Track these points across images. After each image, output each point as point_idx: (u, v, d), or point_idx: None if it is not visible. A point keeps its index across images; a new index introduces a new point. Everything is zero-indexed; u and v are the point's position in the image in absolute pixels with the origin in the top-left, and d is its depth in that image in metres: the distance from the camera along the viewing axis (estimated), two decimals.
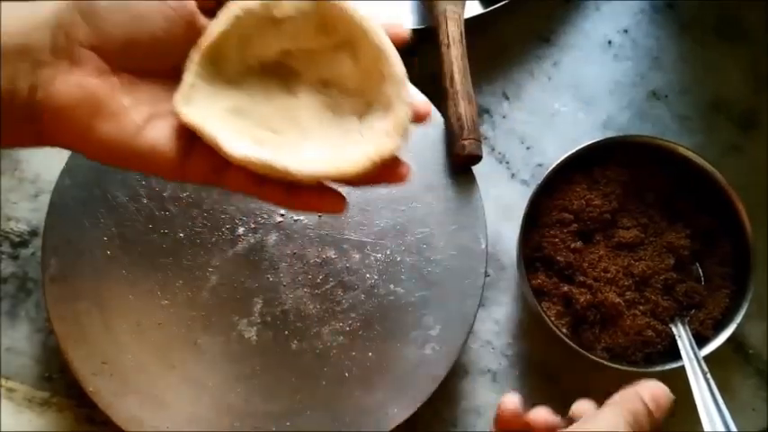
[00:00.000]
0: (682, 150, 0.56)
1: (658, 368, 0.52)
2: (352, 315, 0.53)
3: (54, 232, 0.53)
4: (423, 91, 0.56)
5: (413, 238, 0.54)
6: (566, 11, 0.64)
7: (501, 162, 0.61)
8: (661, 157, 0.56)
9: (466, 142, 0.53)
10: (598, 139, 0.55)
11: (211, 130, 0.39)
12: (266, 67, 0.43)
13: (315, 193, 0.41)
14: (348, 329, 0.53)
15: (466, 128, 0.53)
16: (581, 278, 0.54)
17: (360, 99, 0.42)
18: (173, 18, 0.39)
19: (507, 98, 0.62)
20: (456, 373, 0.56)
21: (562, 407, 0.53)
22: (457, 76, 0.54)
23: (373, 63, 0.41)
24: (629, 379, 0.50)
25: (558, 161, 0.55)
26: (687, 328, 0.54)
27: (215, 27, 0.40)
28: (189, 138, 0.40)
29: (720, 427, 0.46)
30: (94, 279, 0.53)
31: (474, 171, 0.56)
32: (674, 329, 0.54)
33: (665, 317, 0.54)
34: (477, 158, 0.54)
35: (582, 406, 0.42)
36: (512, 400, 0.42)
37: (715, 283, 0.56)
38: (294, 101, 0.43)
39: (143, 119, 0.40)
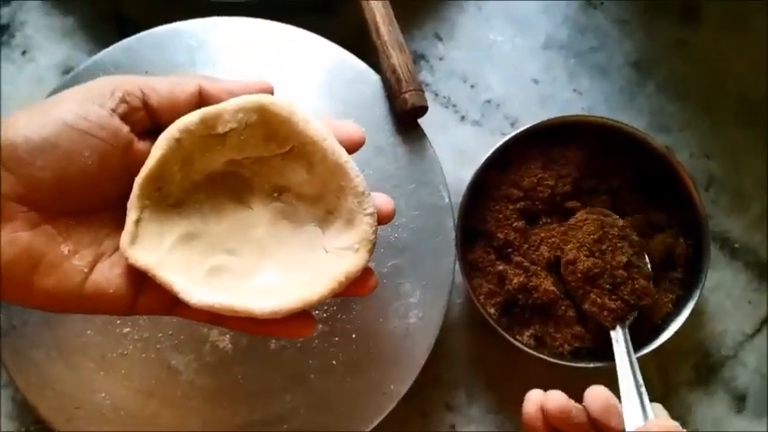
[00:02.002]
0: (650, 141, 0.52)
1: (583, 365, 0.50)
2: (327, 300, 0.50)
3: None
4: (349, 49, 0.53)
5: None
6: None
7: (447, 106, 0.58)
8: (626, 144, 0.53)
9: (407, 95, 0.50)
10: (559, 116, 0.52)
11: (165, 276, 0.37)
12: (213, 179, 0.40)
13: (281, 322, 0.38)
14: (325, 316, 0.50)
15: (403, 79, 0.50)
16: (518, 259, 0.51)
17: (318, 206, 0.41)
18: (105, 150, 0.36)
19: (440, 39, 0.59)
20: (447, 334, 0.54)
21: (486, 388, 0.54)
22: (383, 27, 0.51)
23: (330, 175, 0.39)
24: (553, 367, 0.50)
25: (513, 134, 0.51)
26: (627, 332, 0.49)
27: (154, 154, 0.37)
28: (140, 275, 0.38)
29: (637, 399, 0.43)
30: (46, 323, 0.49)
31: (421, 122, 0.52)
32: (612, 333, 0.49)
33: (609, 318, 0.49)
34: (422, 110, 0.51)
35: (596, 392, 0.40)
36: (560, 401, 0.39)
37: (662, 287, 0.52)
38: (248, 213, 0.41)
39: (87, 264, 0.37)
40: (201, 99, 0.39)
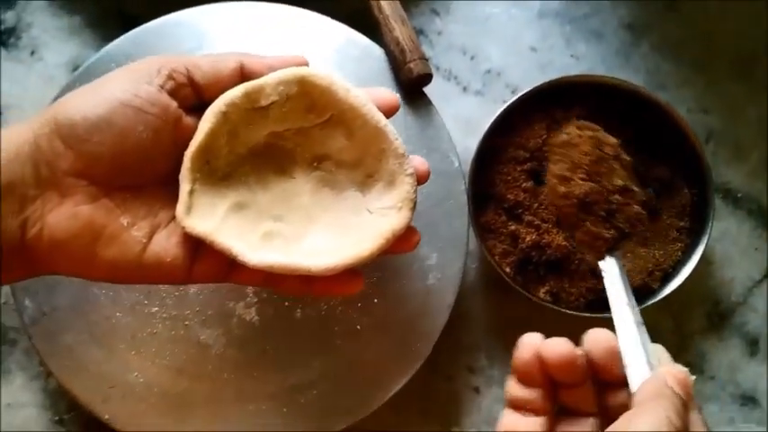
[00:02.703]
0: (650, 96, 0.53)
1: (601, 315, 0.51)
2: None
3: None
4: (354, 27, 0.54)
5: None
6: None
7: (449, 79, 0.59)
8: (626, 101, 0.54)
9: (412, 64, 0.51)
10: (562, 76, 0.53)
11: (223, 241, 0.39)
12: (256, 152, 0.42)
13: (333, 280, 0.40)
14: None
15: (407, 50, 0.51)
16: (529, 218, 0.52)
17: (357, 171, 0.42)
18: (157, 125, 0.38)
19: (437, 14, 0.60)
20: (464, 298, 0.56)
21: (505, 349, 0.54)
22: (384, 2, 0.52)
23: (370, 140, 0.41)
24: (570, 322, 0.51)
25: (515, 98, 0.53)
26: (619, 261, 0.48)
27: (202, 127, 0.39)
28: (195, 244, 0.39)
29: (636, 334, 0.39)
30: (75, 307, 0.50)
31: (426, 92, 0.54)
32: (600, 264, 0.49)
33: (602, 249, 0.50)
34: (428, 77, 0.52)
35: (598, 335, 0.36)
36: (562, 347, 0.35)
37: (670, 236, 0.54)
38: (291, 183, 0.43)
39: (145, 234, 0.38)
40: (243, 74, 0.40)
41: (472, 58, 0.60)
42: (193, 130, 0.39)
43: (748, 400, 0.56)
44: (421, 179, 0.42)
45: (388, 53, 0.53)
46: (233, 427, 0.49)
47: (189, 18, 0.54)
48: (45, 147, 0.37)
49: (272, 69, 0.40)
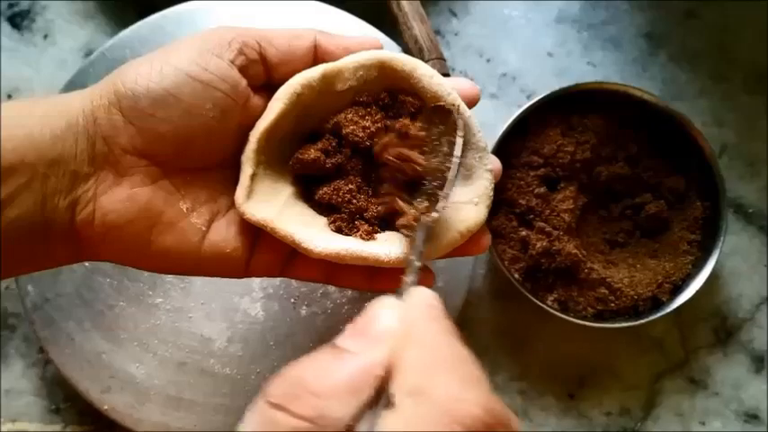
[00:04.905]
0: (666, 107, 0.53)
1: (608, 325, 0.51)
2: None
3: None
4: (372, 23, 0.54)
5: None
6: None
7: None
8: (642, 111, 0.53)
9: (429, 63, 0.50)
10: (577, 83, 0.53)
11: (285, 228, 0.35)
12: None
13: (399, 274, 0.35)
14: None
15: (425, 49, 0.51)
16: (540, 224, 0.52)
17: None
18: (226, 104, 0.34)
19: (455, 14, 0.60)
20: (470, 305, 0.55)
21: (509, 356, 0.54)
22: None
23: (451, 131, 0.37)
24: (577, 332, 0.52)
25: (532, 102, 0.52)
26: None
27: (273, 107, 0.36)
28: (254, 234, 0.36)
29: None
30: (78, 295, 0.50)
31: None
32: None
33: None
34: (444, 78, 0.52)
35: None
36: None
37: (681, 249, 0.53)
38: None
39: (204, 222, 0.35)
40: (317, 54, 0.37)
41: (488, 60, 0.59)
42: (259, 111, 0.36)
43: (751, 417, 0.56)
44: (496, 177, 0.39)
45: (406, 51, 0.52)
46: (233, 424, 0.49)
47: (208, 6, 0.53)
48: (103, 119, 0.33)
49: (348, 51, 0.37)
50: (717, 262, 0.52)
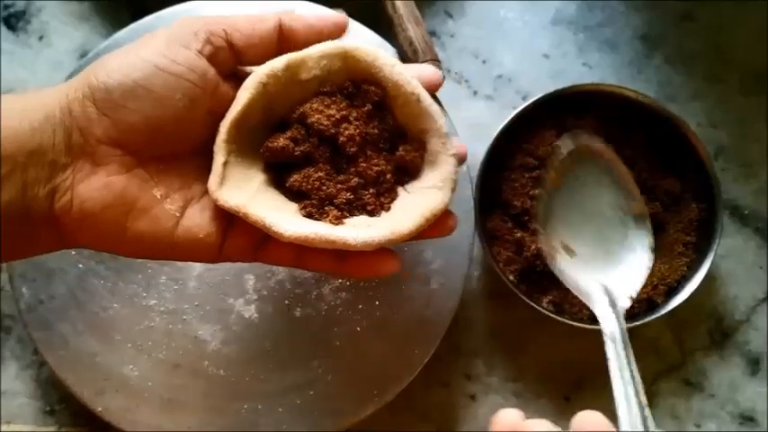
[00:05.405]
0: (662, 109, 0.53)
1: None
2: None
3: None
4: (366, 24, 0.54)
5: None
6: None
7: (460, 82, 0.59)
8: (638, 112, 0.53)
9: (424, 65, 0.50)
10: (573, 85, 0.53)
11: (256, 213, 0.37)
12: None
13: (368, 257, 0.38)
14: (348, 284, 0.50)
15: (420, 51, 0.51)
16: (535, 226, 0.52)
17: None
18: (195, 93, 0.36)
19: (451, 16, 0.60)
20: (466, 306, 0.55)
21: (504, 358, 0.55)
22: (398, 1, 0.52)
23: (413, 118, 0.39)
24: (571, 334, 0.51)
25: (527, 103, 0.52)
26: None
27: (240, 97, 0.37)
28: (226, 219, 0.38)
29: (640, 426, 0.36)
30: (72, 297, 0.50)
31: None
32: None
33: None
34: None
35: (588, 420, 0.34)
36: (509, 416, 0.35)
37: (676, 251, 0.53)
38: None
39: (178, 208, 0.37)
40: (282, 33, 0.38)
41: (484, 62, 0.59)
42: (230, 97, 0.38)
43: (747, 419, 0.56)
44: (460, 161, 0.40)
45: (401, 53, 0.52)
46: (227, 426, 0.49)
47: (202, 8, 0.53)
48: (78, 112, 0.35)
49: (312, 28, 0.38)
50: (712, 264, 0.52)
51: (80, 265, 0.50)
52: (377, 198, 0.40)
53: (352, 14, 0.54)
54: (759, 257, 0.57)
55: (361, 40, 0.53)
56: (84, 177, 0.35)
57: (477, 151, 0.53)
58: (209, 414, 0.49)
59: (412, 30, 0.51)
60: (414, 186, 0.40)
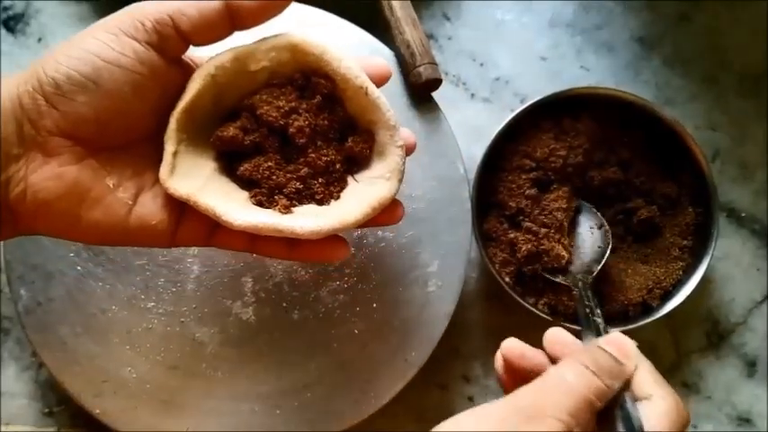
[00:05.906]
0: (659, 112, 0.53)
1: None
2: (347, 271, 0.51)
3: (16, 261, 0.50)
4: (360, 26, 0.54)
5: None
6: None
7: (457, 85, 0.59)
8: (635, 115, 0.54)
9: (421, 68, 0.51)
10: (570, 88, 0.53)
11: (206, 202, 0.38)
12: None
13: (318, 244, 0.40)
14: (346, 286, 0.51)
15: (417, 53, 0.51)
16: (528, 224, 0.52)
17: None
18: (144, 84, 0.36)
19: (448, 18, 0.60)
20: (463, 307, 0.55)
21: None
22: (396, 3, 0.52)
23: (361, 111, 0.40)
24: None
25: (525, 106, 0.52)
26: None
27: (189, 88, 0.38)
28: (179, 206, 0.39)
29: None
30: (71, 299, 0.50)
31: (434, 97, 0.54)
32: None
33: None
34: (436, 82, 0.52)
35: (550, 331, 0.41)
36: (513, 344, 0.41)
37: (672, 254, 0.53)
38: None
39: (130, 196, 0.37)
40: (230, 12, 0.37)
41: (482, 64, 0.59)
42: (180, 84, 0.38)
43: (744, 421, 0.56)
44: (408, 151, 0.41)
45: (398, 55, 0.52)
46: (225, 428, 0.49)
47: None
48: (28, 104, 0.35)
49: (259, 9, 0.38)
50: (709, 266, 0.52)
51: (78, 268, 0.50)
52: (326, 187, 0.41)
53: (348, 17, 0.54)
54: (756, 259, 0.58)
55: (360, 41, 0.53)
56: (37, 168, 0.36)
57: (476, 154, 0.53)
58: (207, 416, 0.49)
59: (409, 32, 0.51)
60: (363, 176, 0.41)
